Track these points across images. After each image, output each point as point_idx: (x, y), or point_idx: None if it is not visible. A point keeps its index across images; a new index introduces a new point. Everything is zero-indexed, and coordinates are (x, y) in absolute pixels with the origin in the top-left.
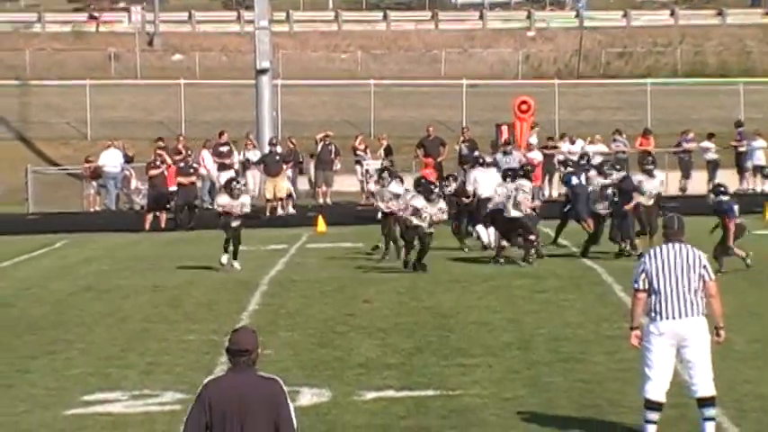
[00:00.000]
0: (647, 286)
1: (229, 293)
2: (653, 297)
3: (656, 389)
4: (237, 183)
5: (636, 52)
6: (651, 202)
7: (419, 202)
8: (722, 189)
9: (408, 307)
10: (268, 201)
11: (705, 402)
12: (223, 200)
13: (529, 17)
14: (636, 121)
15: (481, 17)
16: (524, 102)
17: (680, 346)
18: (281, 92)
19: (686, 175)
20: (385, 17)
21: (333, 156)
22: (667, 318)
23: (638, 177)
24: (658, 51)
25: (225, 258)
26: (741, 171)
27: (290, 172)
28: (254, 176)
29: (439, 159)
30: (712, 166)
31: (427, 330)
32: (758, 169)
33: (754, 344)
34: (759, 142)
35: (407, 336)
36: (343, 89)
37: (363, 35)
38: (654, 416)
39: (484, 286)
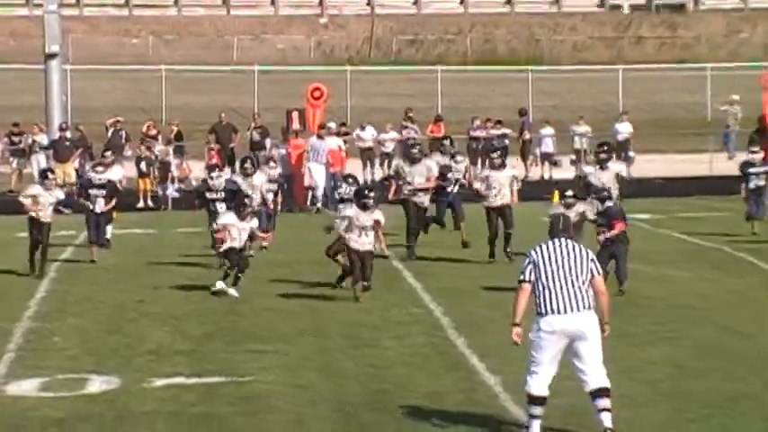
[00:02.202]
0: (530, 277)
1: (19, 281)
2: (541, 292)
3: (540, 384)
4: (52, 174)
5: (427, 39)
6: (455, 189)
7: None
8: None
9: (199, 293)
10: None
11: (599, 394)
12: (35, 190)
13: (321, 3)
14: (427, 108)
15: (273, 3)
16: (317, 88)
17: (572, 341)
18: (70, 77)
19: (474, 162)
20: (176, 2)
21: (123, 141)
22: (557, 312)
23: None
24: (449, 39)
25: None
26: (525, 159)
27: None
28: (38, 162)
29: (231, 146)
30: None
31: (218, 317)
32: (546, 156)
33: None
34: (547, 130)
35: (198, 322)
36: (134, 75)
37: (154, 20)
38: (538, 410)
39: (278, 272)
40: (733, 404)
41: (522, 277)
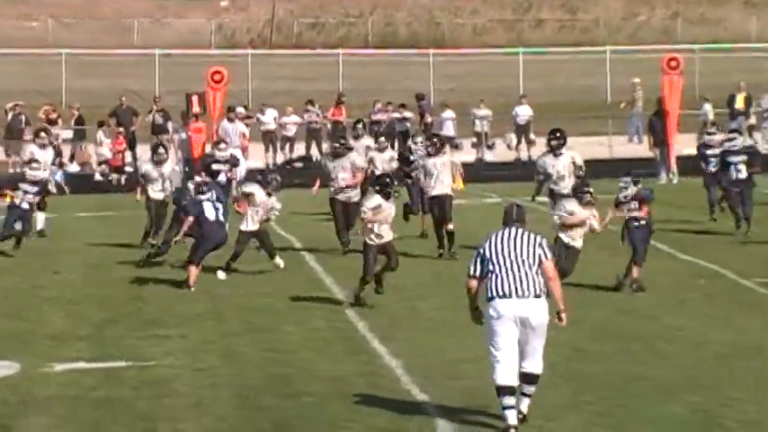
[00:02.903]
0: (477, 272)
1: None
2: (490, 278)
3: (506, 372)
4: None
5: (328, 23)
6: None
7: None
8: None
9: (100, 278)
10: None
11: (528, 379)
12: None
13: None
14: (329, 92)
15: None
16: (218, 72)
17: (521, 327)
18: None
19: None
20: None
21: (23, 125)
22: (504, 296)
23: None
24: (350, 22)
25: None
26: None
27: None
28: None
29: (131, 129)
30: (403, 137)
31: (120, 301)
32: (447, 140)
33: (444, 312)
34: (447, 113)
35: (99, 307)
36: (33, 58)
37: (54, 3)
38: (510, 400)
39: (182, 256)
40: (631, 386)
41: (469, 272)
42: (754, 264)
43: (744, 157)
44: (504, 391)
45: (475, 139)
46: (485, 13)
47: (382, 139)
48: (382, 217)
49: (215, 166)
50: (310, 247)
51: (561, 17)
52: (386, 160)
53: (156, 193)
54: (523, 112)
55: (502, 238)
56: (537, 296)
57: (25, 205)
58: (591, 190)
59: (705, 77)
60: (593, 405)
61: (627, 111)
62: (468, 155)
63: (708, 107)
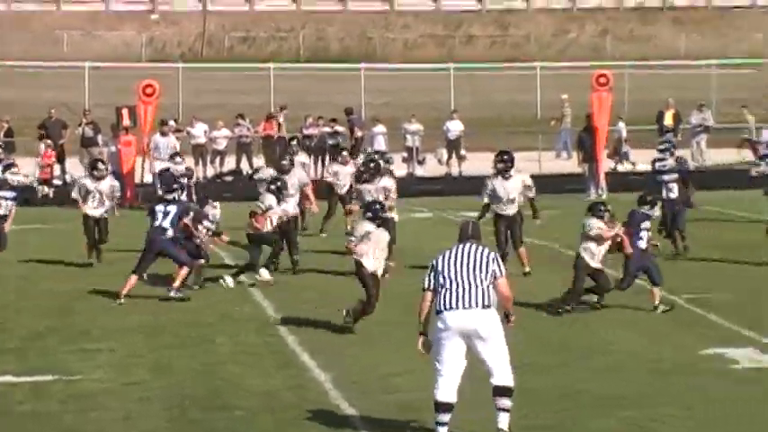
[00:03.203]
0: (431, 285)
1: None
2: (440, 292)
3: (446, 389)
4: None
5: (259, 37)
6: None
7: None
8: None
9: (29, 291)
10: None
11: (499, 392)
12: None
13: (152, 0)
14: (259, 106)
15: None
16: (149, 85)
17: (471, 341)
18: None
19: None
20: None
21: None
22: (451, 308)
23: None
24: (281, 36)
25: None
26: (356, 158)
27: None
28: None
29: (60, 142)
30: (334, 151)
31: (49, 314)
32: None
33: (377, 326)
34: (378, 128)
35: (28, 320)
36: None
37: None
38: (444, 417)
39: (108, 270)
40: (566, 400)
41: (423, 285)
42: (685, 279)
43: (675, 176)
44: (441, 407)
45: (406, 154)
46: (416, 29)
47: (345, 153)
48: (369, 245)
49: (175, 183)
50: (239, 262)
51: (492, 33)
52: (349, 174)
53: (92, 209)
54: (454, 128)
55: (455, 253)
56: (485, 307)
57: None
58: (609, 207)
59: (634, 94)
60: (526, 419)
61: (557, 127)
62: (399, 169)
63: (621, 125)
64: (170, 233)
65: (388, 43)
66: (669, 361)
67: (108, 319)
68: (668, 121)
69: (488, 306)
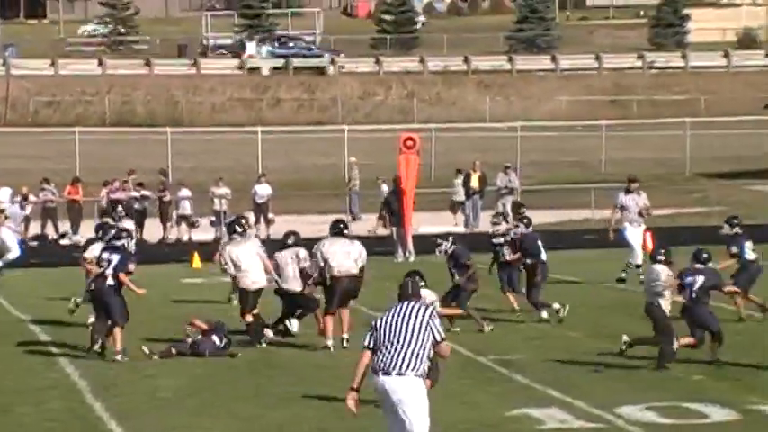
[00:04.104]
0: (371, 343)
1: None
2: (376, 353)
3: None
4: None
5: (64, 101)
6: None
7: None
8: None
9: None
10: None
11: None
12: None
13: None
14: (65, 170)
15: None
16: None
17: (392, 405)
18: None
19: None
20: None
21: None
22: (381, 372)
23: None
24: (87, 100)
25: None
26: (164, 220)
27: None
28: None
29: None
30: (140, 215)
31: None
32: (183, 218)
33: (182, 391)
34: (184, 192)
35: None
36: None
37: None
38: None
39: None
40: None
41: (363, 344)
42: (490, 341)
43: (508, 238)
44: None
45: (213, 218)
46: (223, 92)
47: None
48: None
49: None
50: (45, 327)
51: (299, 96)
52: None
53: None
54: (262, 191)
55: (394, 314)
56: (412, 374)
57: None
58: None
59: (440, 156)
60: None
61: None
62: (207, 233)
63: (385, 187)
64: None
65: (195, 107)
66: (475, 422)
67: None
68: (474, 183)
69: (415, 372)
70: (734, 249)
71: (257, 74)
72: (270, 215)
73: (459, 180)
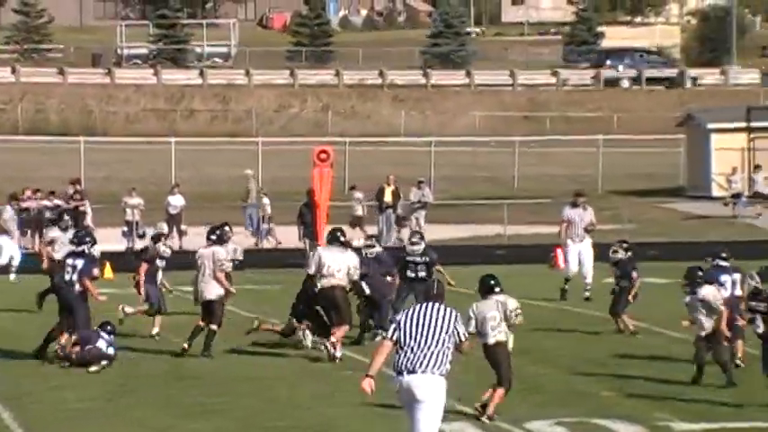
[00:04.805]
0: (394, 337)
1: None
2: (399, 351)
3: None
4: None
5: None
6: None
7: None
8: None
9: None
10: None
11: None
12: None
13: None
14: None
15: None
16: None
17: (412, 403)
18: None
19: (23, 234)
20: None
21: None
22: (404, 371)
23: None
24: (0, 108)
25: None
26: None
27: None
28: None
29: None
30: (53, 224)
31: None
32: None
33: (90, 402)
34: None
35: None
36: None
37: None
38: None
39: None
40: None
41: (385, 334)
42: None
43: (426, 259)
44: None
45: (126, 228)
46: (137, 102)
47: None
48: None
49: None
50: None
51: (214, 107)
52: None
53: None
54: (175, 202)
55: (418, 313)
56: (434, 373)
57: None
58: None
59: (355, 169)
60: None
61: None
62: (119, 244)
63: (266, 200)
64: None
65: (109, 116)
66: None
67: None
68: (388, 197)
69: (437, 372)
70: (635, 274)
71: (172, 84)
72: (183, 226)
73: (359, 195)
